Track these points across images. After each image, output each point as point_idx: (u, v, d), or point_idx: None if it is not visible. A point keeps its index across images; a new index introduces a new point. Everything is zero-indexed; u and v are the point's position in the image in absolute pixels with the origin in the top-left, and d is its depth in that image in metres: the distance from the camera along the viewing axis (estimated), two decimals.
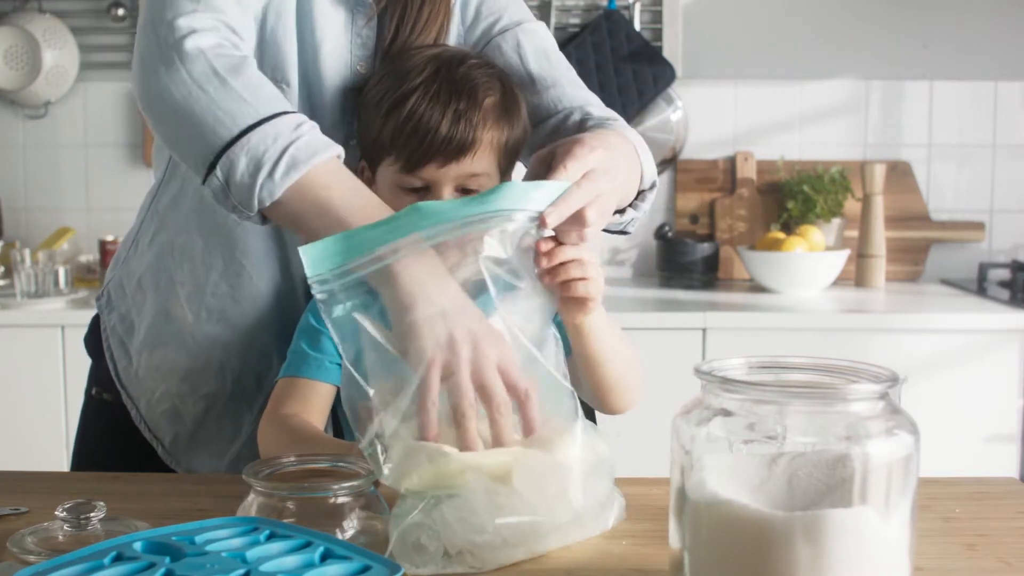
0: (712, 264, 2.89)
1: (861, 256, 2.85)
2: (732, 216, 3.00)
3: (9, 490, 1.07)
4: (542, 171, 1.03)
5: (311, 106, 1.18)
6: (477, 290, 0.96)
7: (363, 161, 1.19)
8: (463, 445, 0.90)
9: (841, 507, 0.74)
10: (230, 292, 1.24)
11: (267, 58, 1.15)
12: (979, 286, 2.82)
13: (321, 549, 0.78)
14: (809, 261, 2.71)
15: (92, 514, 0.89)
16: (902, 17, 2.97)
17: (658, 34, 2.98)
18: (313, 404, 1.14)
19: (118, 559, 0.77)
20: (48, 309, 2.55)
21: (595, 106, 1.24)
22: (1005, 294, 2.70)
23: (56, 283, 2.67)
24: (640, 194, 1.17)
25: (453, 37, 1.25)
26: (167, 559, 0.77)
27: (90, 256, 2.95)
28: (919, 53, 2.99)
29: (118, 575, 0.75)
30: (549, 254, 0.99)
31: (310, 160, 0.99)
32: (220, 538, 0.81)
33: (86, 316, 1.41)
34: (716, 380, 0.78)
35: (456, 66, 1.14)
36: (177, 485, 1.14)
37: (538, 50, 1.25)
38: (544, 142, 1.24)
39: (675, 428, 0.80)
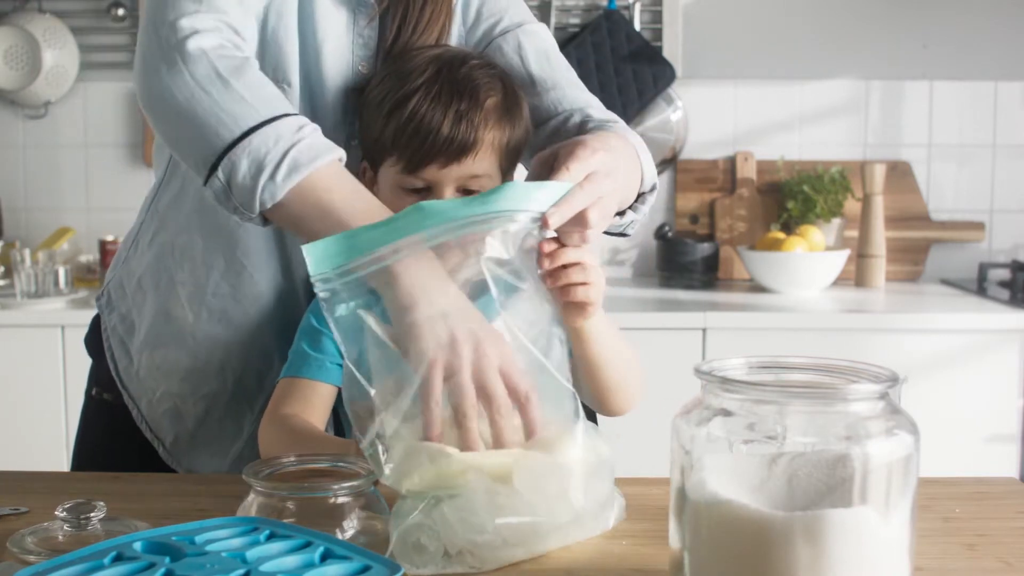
0: (712, 264, 2.89)
1: (861, 256, 2.85)
2: (732, 216, 3.00)
3: (9, 490, 1.07)
4: (544, 172, 1.03)
5: (313, 106, 1.18)
6: (477, 291, 0.95)
7: (365, 162, 1.19)
8: (465, 445, 0.90)
9: (841, 507, 0.74)
10: (231, 292, 1.24)
11: (268, 58, 1.15)
12: (979, 286, 2.82)
13: (321, 549, 0.78)
14: (809, 261, 2.71)
15: (92, 514, 0.90)
16: (902, 17, 2.97)
17: (658, 34, 2.98)
18: (314, 404, 1.14)
19: (118, 559, 0.77)
20: (48, 309, 2.55)
21: (595, 108, 1.24)
22: (1005, 294, 2.70)
23: (56, 283, 2.67)
24: (640, 196, 1.17)
25: (454, 38, 1.25)
26: (167, 559, 0.77)
27: (90, 256, 2.95)
28: (919, 53, 2.99)
29: (118, 575, 0.75)
30: (552, 255, 0.99)
31: (312, 163, 0.99)
32: (220, 538, 0.81)
33: (86, 316, 1.41)
34: (716, 380, 0.78)
35: (458, 67, 1.14)
36: (177, 485, 1.14)
37: (539, 51, 1.25)
38: (544, 144, 1.24)
39: (675, 428, 0.80)
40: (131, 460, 1.31)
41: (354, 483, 0.90)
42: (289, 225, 1.03)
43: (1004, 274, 2.85)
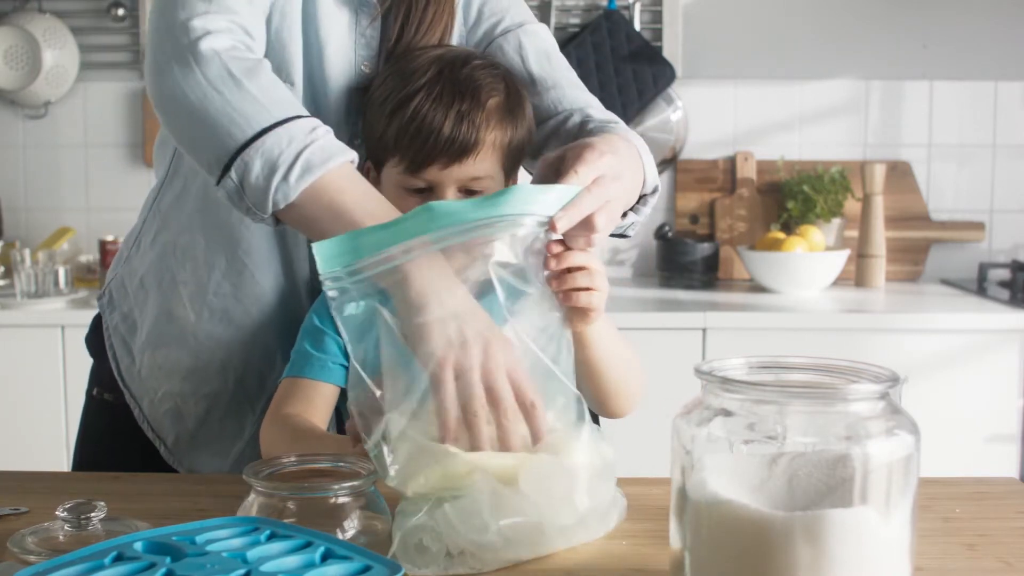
0: (712, 264, 2.89)
1: (861, 256, 2.85)
2: (732, 216, 3.00)
3: (9, 490, 1.07)
4: (550, 175, 1.03)
5: (315, 106, 1.18)
6: (482, 290, 0.95)
7: (368, 162, 1.19)
8: (473, 445, 0.89)
9: (841, 507, 0.74)
10: (232, 291, 1.24)
11: (272, 58, 1.15)
12: (979, 286, 2.82)
13: (322, 549, 0.78)
14: (809, 261, 2.71)
15: (92, 514, 0.89)
16: (902, 17, 2.97)
17: (658, 34, 2.98)
18: (316, 404, 1.14)
19: (118, 559, 0.77)
20: (48, 309, 2.55)
21: (595, 108, 1.24)
22: (1005, 294, 2.70)
23: (56, 283, 2.67)
24: (642, 198, 1.17)
25: (455, 38, 1.25)
26: (168, 559, 0.77)
27: (90, 256, 2.95)
28: (919, 53, 2.99)
29: (118, 575, 0.75)
30: (559, 257, 0.99)
31: (324, 164, 1.00)
32: (221, 538, 0.81)
33: (86, 316, 1.41)
34: (716, 380, 0.78)
35: (460, 67, 1.14)
36: (178, 485, 1.14)
37: (539, 51, 1.25)
38: (543, 143, 1.24)
39: (675, 428, 0.80)
40: (132, 460, 1.31)
41: (354, 483, 0.90)
42: (301, 226, 1.04)
43: (1004, 274, 2.85)
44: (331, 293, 0.92)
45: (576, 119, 1.22)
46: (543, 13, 2.93)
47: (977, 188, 3.02)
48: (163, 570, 0.75)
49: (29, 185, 3.06)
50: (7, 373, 2.51)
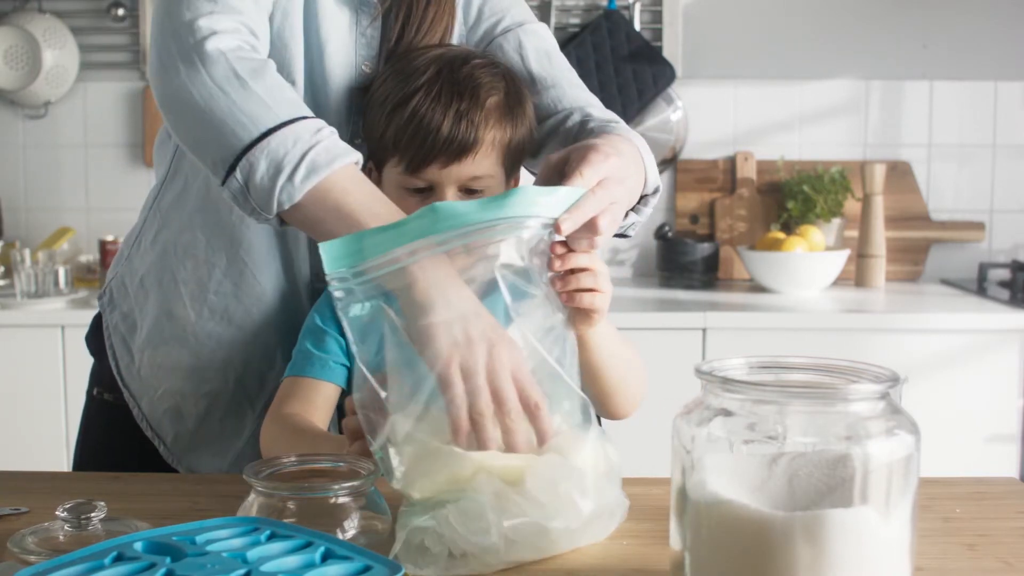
0: (712, 264, 2.89)
1: (861, 256, 2.85)
2: (732, 216, 3.00)
3: (9, 490, 1.07)
4: (554, 176, 1.03)
5: (316, 106, 1.18)
6: (486, 292, 0.95)
7: (370, 162, 1.19)
8: (480, 444, 0.89)
9: (841, 507, 0.74)
10: (233, 291, 1.24)
11: (273, 57, 1.15)
12: (979, 286, 2.82)
13: (322, 549, 0.78)
14: (809, 261, 2.71)
15: (92, 514, 0.89)
16: (902, 17, 2.97)
17: (658, 34, 2.98)
18: (316, 404, 1.14)
19: (118, 559, 0.77)
20: (48, 309, 2.55)
21: (596, 107, 1.24)
22: (1005, 294, 2.70)
23: (56, 283, 2.67)
24: (643, 198, 1.17)
25: (455, 37, 1.25)
26: (168, 559, 0.77)
27: (90, 256, 2.95)
28: (919, 53, 2.99)
29: (118, 575, 0.75)
30: (563, 258, 0.99)
31: (330, 165, 0.99)
32: (221, 538, 0.81)
33: (86, 316, 1.41)
34: (716, 380, 0.78)
35: (459, 66, 1.14)
36: (177, 485, 1.14)
37: (539, 51, 1.25)
38: (543, 142, 1.24)
39: (675, 428, 0.80)
40: (132, 460, 1.31)
41: (354, 483, 0.90)
42: (306, 227, 1.03)
43: (1004, 274, 2.85)
44: (337, 294, 0.91)
45: (576, 118, 1.22)
46: (543, 13, 2.93)
47: (977, 188, 3.02)
48: (163, 570, 0.75)
49: (29, 185, 3.06)
50: (7, 373, 2.51)
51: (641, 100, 2.91)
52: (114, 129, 3.04)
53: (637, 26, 2.95)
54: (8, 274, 2.81)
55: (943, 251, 3.02)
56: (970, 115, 3.00)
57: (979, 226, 2.99)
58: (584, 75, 1.30)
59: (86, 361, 1.38)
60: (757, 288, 2.80)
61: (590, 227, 0.98)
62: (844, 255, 2.75)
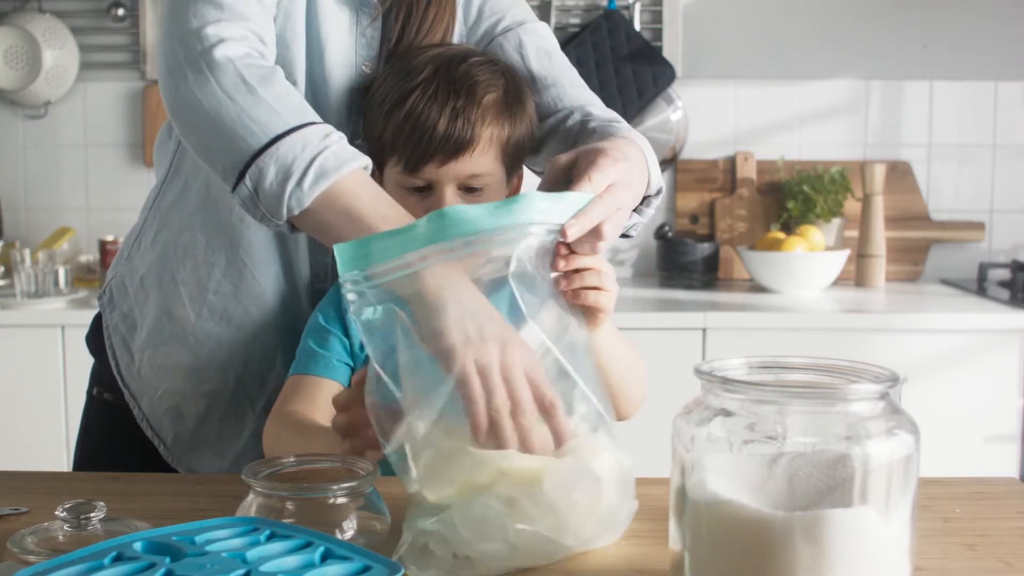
0: (712, 264, 2.89)
1: (861, 256, 2.85)
2: (732, 216, 3.00)
3: (9, 490, 1.07)
4: (561, 179, 1.03)
5: (316, 106, 1.18)
6: (488, 293, 0.95)
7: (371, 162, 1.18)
8: (498, 442, 0.88)
9: (841, 507, 0.74)
10: (232, 291, 1.24)
11: (275, 58, 1.15)
12: (979, 286, 2.82)
13: (321, 549, 0.78)
14: (809, 261, 2.71)
15: (92, 514, 0.89)
16: (902, 17, 2.97)
17: (658, 34, 2.98)
18: (320, 402, 1.14)
19: (118, 559, 0.77)
20: (48, 309, 2.55)
21: (596, 106, 1.23)
22: (1005, 294, 2.70)
23: (56, 283, 2.67)
24: (645, 199, 1.17)
25: (456, 37, 1.25)
26: (167, 559, 0.77)
27: (90, 256, 2.95)
28: (919, 53, 2.99)
29: (118, 575, 0.75)
30: (567, 258, 0.99)
31: (338, 170, 0.99)
32: (220, 538, 0.81)
33: (86, 316, 1.41)
34: (716, 380, 0.78)
35: (457, 64, 1.14)
36: (177, 485, 1.14)
37: (539, 50, 1.25)
38: (544, 140, 1.24)
39: (675, 428, 0.80)
40: (132, 460, 1.31)
41: (353, 483, 0.90)
42: (316, 232, 1.03)
43: (1004, 274, 2.85)
44: (350, 296, 0.91)
45: (577, 117, 1.21)
46: (543, 13, 2.93)
47: (977, 188, 3.02)
48: (163, 570, 0.75)
49: (29, 185, 3.06)
50: (7, 373, 2.51)
51: (641, 100, 2.91)
52: (114, 129, 3.04)
53: (637, 26, 2.95)
54: (8, 274, 2.81)
55: (943, 251, 3.02)
56: (970, 115, 3.00)
57: (979, 226, 2.99)
58: (584, 75, 1.30)
59: (86, 361, 1.39)
60: (757, 288, 2.80)
61: (595, 233, 0.98)
62: (844, 255, 2.75)
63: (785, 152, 3.01)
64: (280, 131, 1.00)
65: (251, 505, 0.91)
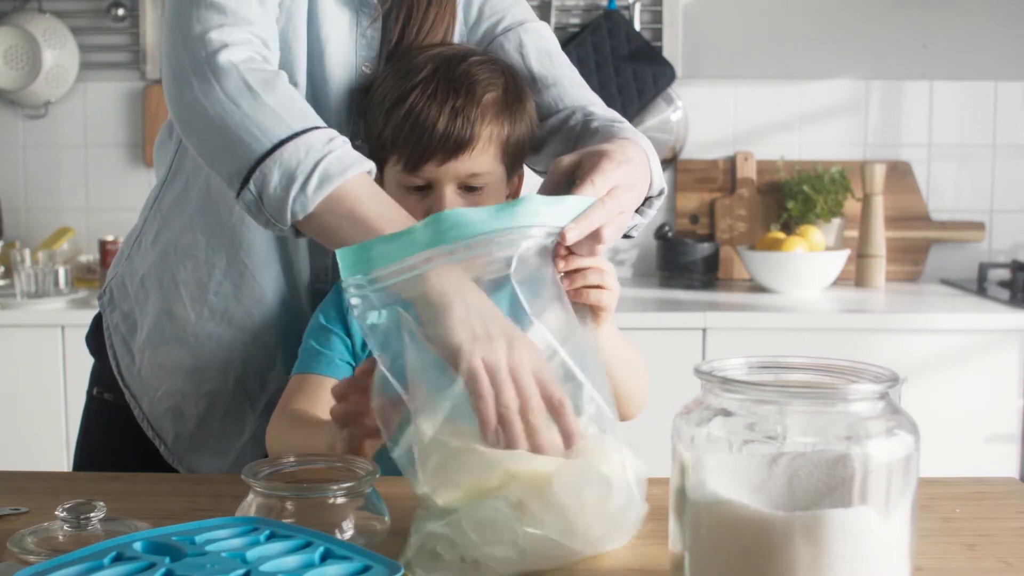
0: (712, 264, 2.89)
1: (861, 256, 2.85)
2: (732, 216, 3.00)
3: (9, 490, 1.07)
4: (564, 181, 1.03)
5: (316, 107, 1.17)
6: (490, 289, 0.95)
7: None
8: (508, 441, 0.87)
9: (841, 507, 0.74)
10: (233, 291, 1.24)
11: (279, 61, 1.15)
12: (979, 286, 2.82)
13: (321, 549, 0.78)
14: (809, 261, 2.71)
15: (92, 514, 0.89)
16: (902, 17, 2.97)
17: (658, 34, 2.98)
18: (322, 400, 1.14)
19: (118, 559, 0.77)
20: (48, 309, 2.55)
21: (597, 106, 1.23)
22: (1005, 294, 2.70)
23: (56, 283, 2.67)
24: (647, 200, 1.17)
25: (456, 37, 1.25)
26: (167, 559, 0.77)
27: (90, 256, 2.95)
28: (919, 53, 2.99)
29: (118, 575, 0.75)
30: (567, 258, 0.99)
31: (342, 174, 0.99)
32: (220, 538, 0.81)
33: (86, 316, 1.41)
34: (716, 380, 0.78)
35: (457, 64, 1.14)
36: (177, 485, 1.14)
37: (540, 50, 1.25)
38: (544, 140, 1.24)
39: (675, 428, 0.80)
40: (132, 459, 1.31)
41: (353, 483, 0.90)
42: (322, 236, 1.03)
43: (1004, 274, 2.85)
44: (353, 300, 0.91)
45: (578, 117, 1.21)
46: (543, 13, 2.93)
47: (977, 188, 3.02)
48: (163, 570, 0.75)
49: (29, 185, 3.06)
50: (7, 373, 2.51)
51: (641, 100, 2.91)
52: (114, 129, 3.04)
53: (637, 26, 2.95)
54: (8, 274, 2.81)
55: (943, 251, 3.02)
56: (970, 115, 3.00)
57: (979, 226, 2.99)
58: (584, 75, 1.30)
59: (86, 361, 1.38)
60: (757, 288, 2.80)
61: (594, 236, 0.98)
62: (844, 255, 2.75)
63: (785, 152, 3.01)
64: (284, 136, 1.00)
65: (251, 505, 0.91)
